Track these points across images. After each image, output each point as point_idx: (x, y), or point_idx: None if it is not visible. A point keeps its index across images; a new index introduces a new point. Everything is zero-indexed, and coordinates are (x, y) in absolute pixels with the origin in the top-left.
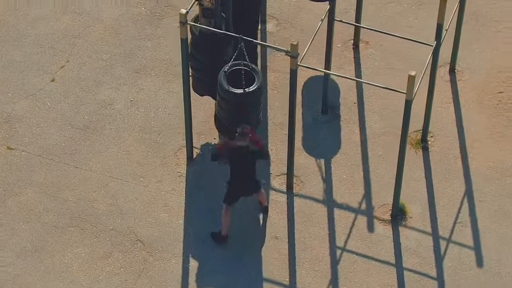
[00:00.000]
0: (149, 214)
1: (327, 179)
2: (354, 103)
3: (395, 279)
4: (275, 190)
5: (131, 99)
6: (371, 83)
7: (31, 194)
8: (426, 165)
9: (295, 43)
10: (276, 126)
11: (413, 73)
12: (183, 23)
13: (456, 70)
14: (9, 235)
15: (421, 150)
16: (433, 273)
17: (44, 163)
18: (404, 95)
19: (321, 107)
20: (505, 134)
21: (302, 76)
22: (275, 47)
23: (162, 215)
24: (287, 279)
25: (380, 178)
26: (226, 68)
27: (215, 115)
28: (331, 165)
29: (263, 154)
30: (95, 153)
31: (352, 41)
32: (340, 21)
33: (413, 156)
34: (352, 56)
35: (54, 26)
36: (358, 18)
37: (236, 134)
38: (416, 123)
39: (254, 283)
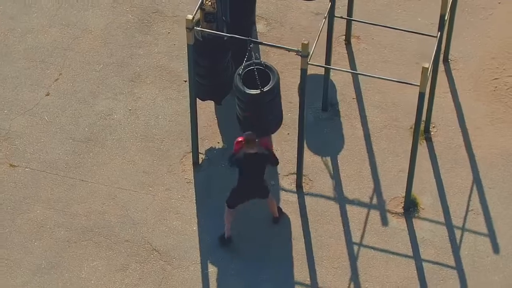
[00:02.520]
0: (162, 223)
1: (335, 176)
2: (353, 98)
3: (415, 271)
4: (285, 190)
5: (130, 108)
6: (383, 77)
7: (39, 210)
8: (432, 155)
9: (306, 42)
10: None
11: (426, 65)
12: (190, 28)
13: (449, 60)
14: (23, 254)
15: (425, 141)
16: (452, 262)
17: (49, 178)
18: (401, 89)
19: (320, 104)
20: (505, 120)
21: (298, 76)
22: (285, 48)
23: (175, 223)
24: (308, 279)
25: (387, 171)
26: (240, 70)
27: (238, 118)
28: (338, 161)
29: (273, 160)
30: (100, 165)
31: (344, 37)
32: (341, 17)
33: (418, 148)
34: (345, 51)
35: (43, 39)
36: (350, 14)
37: (253, 140)
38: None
39: (275, 284)
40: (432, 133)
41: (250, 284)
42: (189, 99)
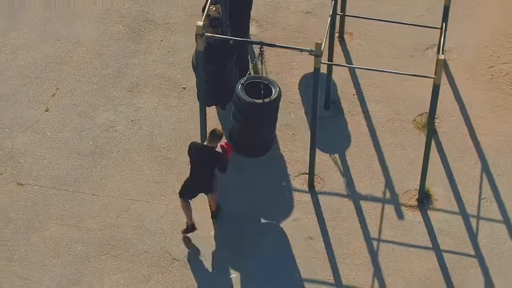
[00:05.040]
0: (179, 231)
1: (346, 173)
2: (353, 94)
3: (437, 262)
4: (298, 190)
5: (132, 119)
6: (397, 72)
7: (54, 227)
8: (438, 146)
9: (319, 41)
10: (283, 127)
11: (442, 57)
12: (201, 35)
13: (444, 51)
14: (42, 272)
15: None
16: (471, 251)
17: (59, 194)
18: (400, 82)
19: (323, 103)
20: (506, 107)
21: (296, 76)
22: (298, 48)
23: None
24: (331, 277)
25: (397, 165)
26: (243, 80)
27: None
28: (347, 158)
29: (222, 165)
30: (109, 177)
31: (337, 34)
32: (343, 14)
33: (424, 139)
34: (340, 49)
35: (35, 55)
36: (343, 11)
37: (216, 135)
38: (418, 107)
39: (300, 285)
40: (436, 124)
41: (275, 286)
42: (189, 105)
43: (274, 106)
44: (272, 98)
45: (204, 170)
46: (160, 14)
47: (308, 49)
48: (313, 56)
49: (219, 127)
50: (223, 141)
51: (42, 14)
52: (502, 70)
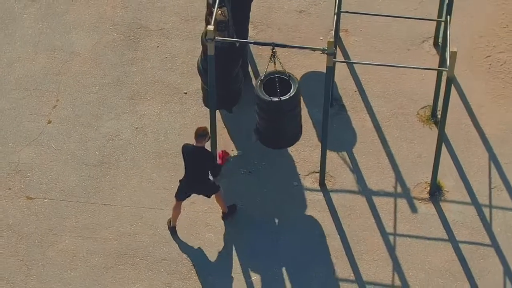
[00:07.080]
0: (195, 237)
1: (356, 170)
2: (355, 91)
3: (454, 253)
4: (309, 189)
5: (136, 126)
6: (408, 66)
7: (68, 240)
8: (444, 138)
9: (331, 40)
10: None
11: (455, 49)
12: (212, 39)
13: (440, 43)
14: (61, 286)
15: (434, 125)
16: (487, 240)
17: (70, 206)
18: (400, 76)
19: None
20: (506, 96)
21: (296, 76)
22: (310, 48)
23: (208, 235)
24: (352, 275)
25: (405, 158)
26: (262, 77)
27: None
28: (355, 155)
29: (213, 168)
30: (119, 187)
31: (333, 31)
32: (346, 12)
33: (429, 132)
34: (338, 45)
35: (32, 67)
36: (339, 8)
37: (198, 134)
38: (420, 100)
39: (321, 284)
40: (439, 116)
41: (295, 285)
42: (192, 110)
43: (293, 103)
44: (292, 95)
45: (198, 170)
46: (154, 20)
47: (321, 48)
48: (311, 56)
49: (225, 130)
50: (220, 149)
51: (34, 25)
52: (499, 60)
